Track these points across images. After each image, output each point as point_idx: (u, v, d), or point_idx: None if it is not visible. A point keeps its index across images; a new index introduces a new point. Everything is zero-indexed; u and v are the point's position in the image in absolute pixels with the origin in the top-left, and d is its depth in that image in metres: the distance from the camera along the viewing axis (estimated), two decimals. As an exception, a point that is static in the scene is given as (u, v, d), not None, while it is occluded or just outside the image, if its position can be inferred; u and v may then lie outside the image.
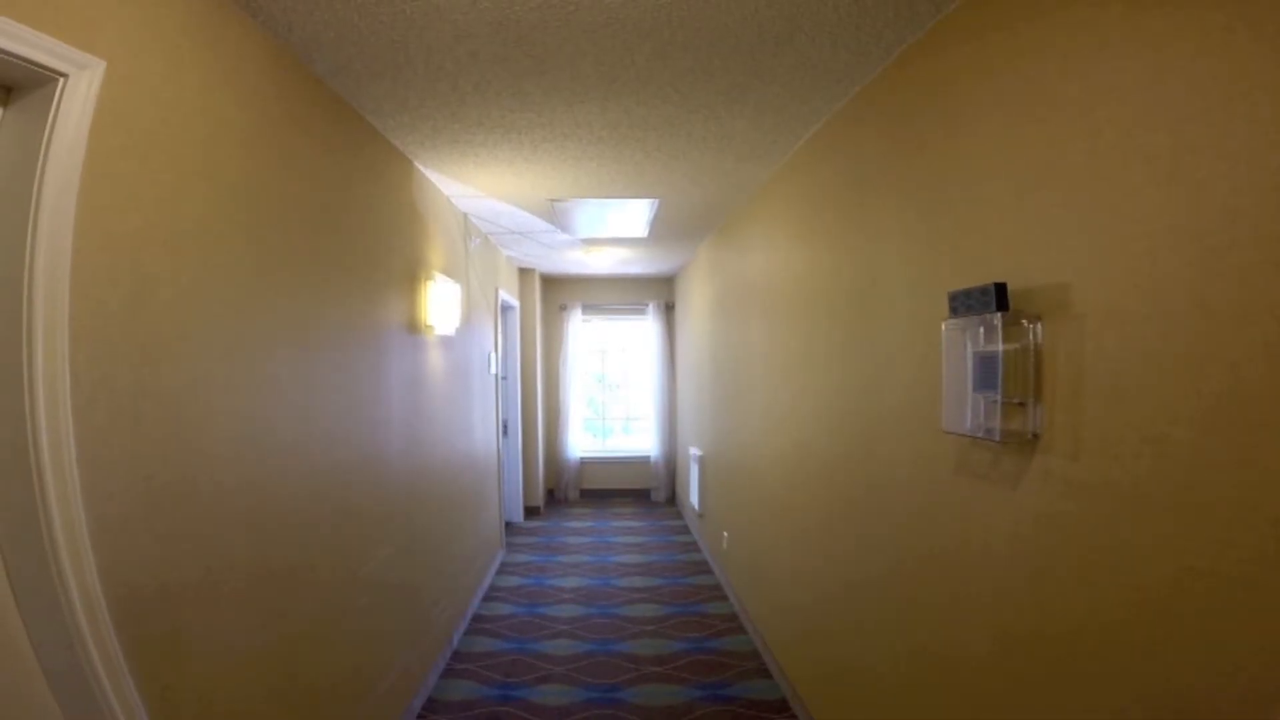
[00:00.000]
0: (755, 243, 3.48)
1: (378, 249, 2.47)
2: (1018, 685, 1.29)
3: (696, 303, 5.48)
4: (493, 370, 4.69)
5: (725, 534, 4.26)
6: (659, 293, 7.02)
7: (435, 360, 3.22)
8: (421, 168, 2.96)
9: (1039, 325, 1.19)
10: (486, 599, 4.16)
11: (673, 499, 6.88)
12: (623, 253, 5.40)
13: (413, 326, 2.88)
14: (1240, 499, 0.87)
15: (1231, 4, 0.88)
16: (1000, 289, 1.22)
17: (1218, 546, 0.89)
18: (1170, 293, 0.97)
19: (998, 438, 1.27)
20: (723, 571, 4.34)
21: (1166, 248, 0.97)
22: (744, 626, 3.65)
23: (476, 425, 4.17)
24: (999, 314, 1.22)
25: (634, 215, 3.97)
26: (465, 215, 3.91)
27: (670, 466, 6.89)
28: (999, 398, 1.24)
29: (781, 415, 3.05)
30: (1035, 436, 1.21)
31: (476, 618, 3.85)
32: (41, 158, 1.04)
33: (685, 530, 5.79)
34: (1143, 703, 1.00)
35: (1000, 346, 1.23)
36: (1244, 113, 0.86)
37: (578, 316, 6.96)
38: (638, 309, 7.05)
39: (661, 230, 4.43)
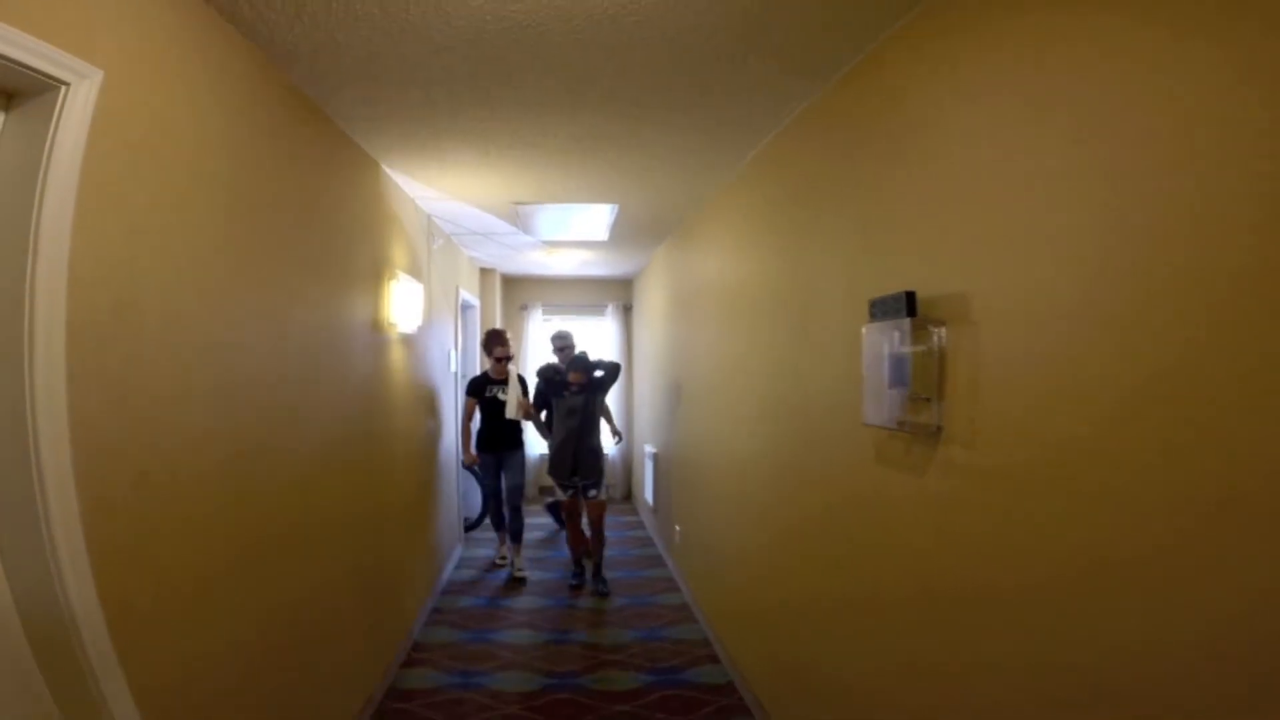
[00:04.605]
0: (708, 248, 3.66)
1: (344, 249, 2.55)
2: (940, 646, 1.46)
3: (653, 305, 5.64)
4: (452, 368, 4.75)
5: (678, 527, 4.42)
6: (618, 294, 7.16)
7: (397, 357, 3.29)
8: (388, 170, 3.03)
9: (943, 330, 1.38)
10: (445, 592, 4.22)
11: (629, 495, 7.03)
12: (583, 255, 5.51)
13: (376, 324, 2.95)
14: (1106, 482, 1.01)
15: (1101, 52, 1.04)
16: (910, 297, 1.40)
17: (1091, 528, 1.04)
18: (1047, 299, 1.14)
19: (908, 430, 1.46)
20: (675, 564, 4.50)
21: (1045, 259, 1.14)
22: (695, 616, 3.81)
23: (436, 420, 4.24)
24: (908, 319, 1.40)
25: (595, 219, 4.09)
26: (429, 216, 3.98)
27: (627, 463, 7.03)
28: (909, 394, 1.42)
29: (728, 412, 3.23)
30: (939, 429, 1.39)
31: (436, 610, 3.91)
32: (44, 163, 1.11)
33: (640, 525, 5.94)
34: (1032, 670, 1.16)
35: (909, 348, 1.42)
36: (1115, 134, 1.01)
37: (538, 316, 7.05)
38: (597, 309, 7.18)
39: (621, 234, 4.57)
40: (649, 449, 5.61)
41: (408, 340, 3.46)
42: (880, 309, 1.49)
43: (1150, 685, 0.95)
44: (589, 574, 4.35)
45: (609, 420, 4.79)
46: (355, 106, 2.26)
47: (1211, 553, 0.86)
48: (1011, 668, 1.22)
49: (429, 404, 4.03)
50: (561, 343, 4.78)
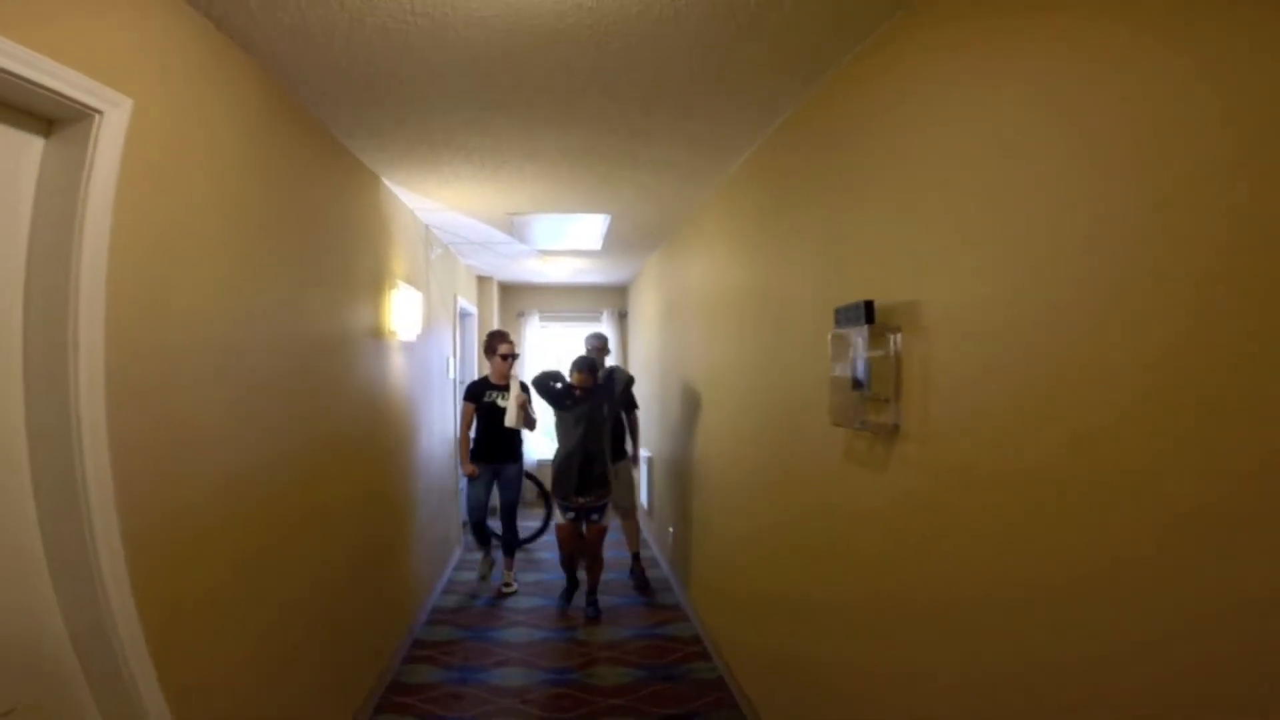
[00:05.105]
0: (697, 256, 3.78)
1: (348, 259, 2.67)
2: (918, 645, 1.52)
3: (646, 311, 5.76)
4: (451, 375, 4.86)
5: (670, 529, 4.52)
6: (613, 301, 7.28)
7: (397, 363, 3.40)
8: (388, 183, 3.16)
9: (899, 336, 1.49)
10: (445, 592, 4.32)
11: (625, 500, 7.12)
12: (578, 263, 5.63)
13: (377, 332, 3.07)
14: (1036, 476, 1.11)
15: (1046, 74, 1.13)
16: (869, 305, 1.51)
17: (1030, 521, 1.12)
18: (988, 307, 1.24)
19: (870, 429, 1.57)
20: (668, 565, 4.59)
21: (989, 272, 1.24)
22: (687, 615, 3.91)
23: (435, 426, 4.34)
24: (866, 326, 1.52)
25: (589, 229, 4.21)
26: (427, 226, 4.10)
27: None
28: (869, 395, 1.54)
29: (715, 415, 3.35)
30: (896, 427, 1.51)
31: (436, 609, 4.01)
32: (84, 186, 1.23)
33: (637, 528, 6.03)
34: (984, 670, 1.25)
35: (868, 353, 1.53)
36: (1059, 150, 1.08)
37: (535, 323, 7.18)
38: (593, 316, 7.30)
39: (614, 242, 4.69)
40: (644, 453, 5.71)
41: (408, 347, 3.58)
42: (844, 316, 1.61)
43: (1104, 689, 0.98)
44: (582, 594, 4.06)
45: (634, 436, 4.59)
46: (357, 125, 2.39)
47: (1169, 562, 0.88)
48: (978, 667, 1.27)
49: (427, 409, 4.14)
50: (595, 342, 4.51)
